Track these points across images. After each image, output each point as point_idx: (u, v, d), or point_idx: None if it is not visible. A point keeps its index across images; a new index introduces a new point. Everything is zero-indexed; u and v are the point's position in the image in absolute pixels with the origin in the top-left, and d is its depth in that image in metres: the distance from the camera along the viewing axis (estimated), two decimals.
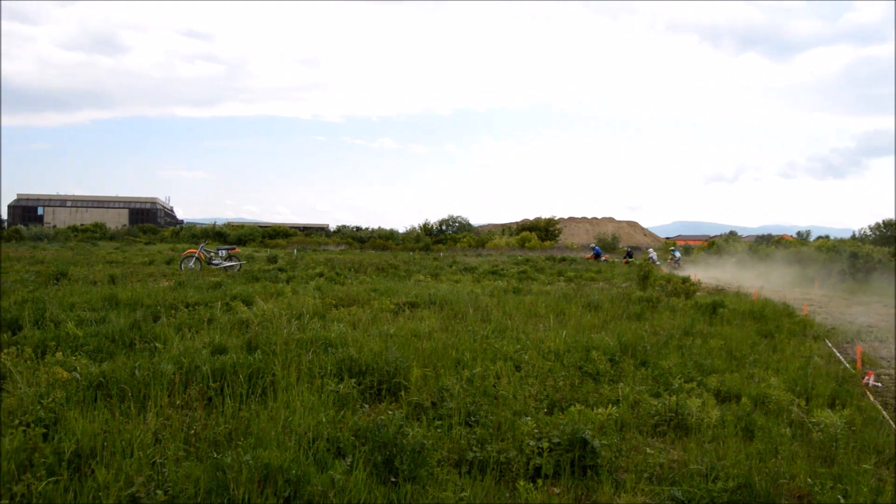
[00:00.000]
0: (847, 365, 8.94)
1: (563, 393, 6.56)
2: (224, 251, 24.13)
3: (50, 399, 5.18)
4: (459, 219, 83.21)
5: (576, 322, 11.00)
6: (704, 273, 32.50)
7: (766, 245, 52.59)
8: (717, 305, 13.56)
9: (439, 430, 5.28)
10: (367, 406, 6.04)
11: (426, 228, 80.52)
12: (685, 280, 18.79)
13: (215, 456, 4.30)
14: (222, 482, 3.95)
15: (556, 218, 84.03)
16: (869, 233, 62.42)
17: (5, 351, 6.90)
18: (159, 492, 3.88)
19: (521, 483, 4.48)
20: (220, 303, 11.42)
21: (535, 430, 5.14)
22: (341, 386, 6.18)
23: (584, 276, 25.72)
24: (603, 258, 44.31)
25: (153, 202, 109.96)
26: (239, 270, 22.49)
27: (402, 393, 6.41)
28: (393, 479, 4.43)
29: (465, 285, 18.54)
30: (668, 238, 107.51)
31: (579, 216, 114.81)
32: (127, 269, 22.09)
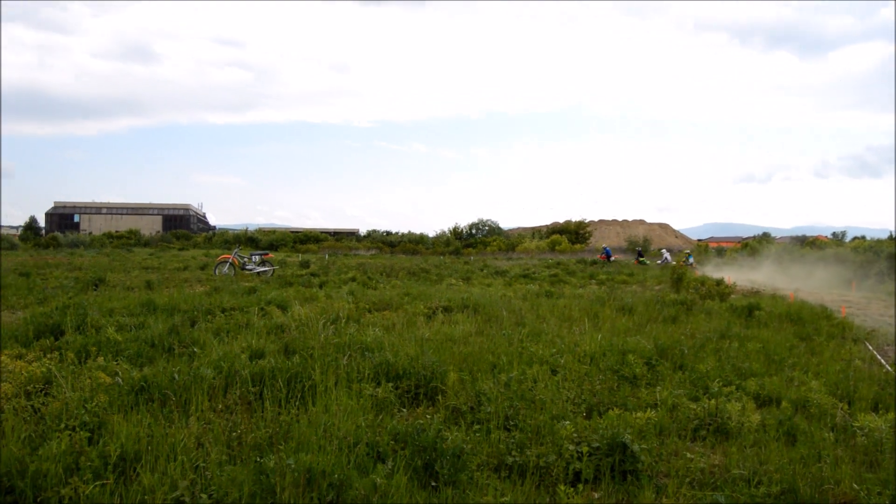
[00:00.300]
0: (889, 368, 8.73)
1: (600, 397, 6.51)
2: (257, 256, 24.36)
3: (94, 403, 5.26)
4: (489, 222, 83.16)
5: (610, 325, 10.91)
6: (738, 275, 32.03)
7: (800, 246, 51.69)
8: (752, 308, 13.36)
9: (478, 435, 5.28)
10: (404, 410, 6.05)
11: (456, 232, 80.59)
12: (719, 282, 18.55)
13: (258, 460, 4.34)
14: (267, 486, 3.99)
15: (586, 221, 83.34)
16: None
17: (48, 356, 7.04)
18: (204, 495, 3.93)
19: (562, 488, 4.46)
20: (255, 307, 11.54)
21: (574, 435, 5.12)
22: (379, 390, 6.19)
23: (615, 278, 25.54)
24: (612, 258, 44.05)
25: (186, 208, 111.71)
26: (272, 275, 22.72)
27: (440, 397, 6.41)
28: (433, 484, 4.44)
29: (497, 289, 18.52)
30: (699, 240, 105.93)
31: (609, 219, 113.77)
32: (162, 274, 22.49)
